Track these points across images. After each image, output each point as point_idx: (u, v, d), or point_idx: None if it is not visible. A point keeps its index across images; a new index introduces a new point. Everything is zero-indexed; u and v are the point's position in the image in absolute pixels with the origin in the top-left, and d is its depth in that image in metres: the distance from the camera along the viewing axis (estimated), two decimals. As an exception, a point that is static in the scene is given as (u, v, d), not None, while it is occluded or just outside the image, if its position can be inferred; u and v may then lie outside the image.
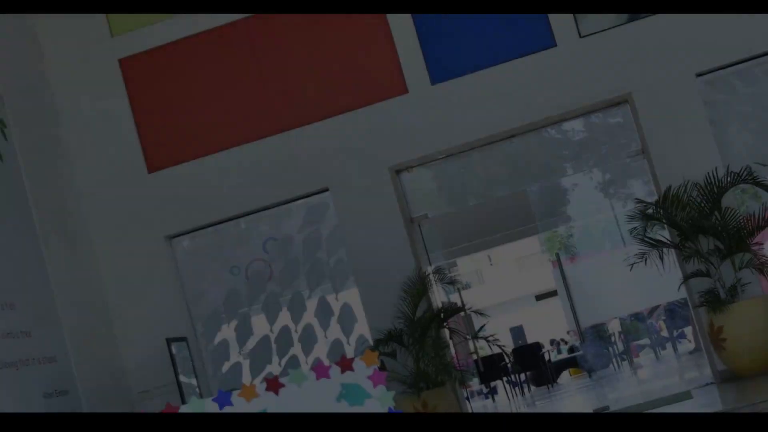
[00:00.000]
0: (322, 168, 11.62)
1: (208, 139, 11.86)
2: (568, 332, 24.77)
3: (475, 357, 18.10)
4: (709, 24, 11.05)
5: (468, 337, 13.41)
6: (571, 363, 20.72)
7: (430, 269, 11.49)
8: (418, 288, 11.07)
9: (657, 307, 18.99)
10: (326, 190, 11.72)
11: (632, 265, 10.93)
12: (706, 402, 9.67)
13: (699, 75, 11.16)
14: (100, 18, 11.98)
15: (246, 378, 11.66)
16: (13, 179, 10.54)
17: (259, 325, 11.89)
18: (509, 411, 16.02)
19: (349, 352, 11.44)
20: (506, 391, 19.24)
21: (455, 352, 12.24)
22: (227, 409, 5.36)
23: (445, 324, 11.36)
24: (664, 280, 11.17)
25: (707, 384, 10.93)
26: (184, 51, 11.94)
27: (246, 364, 11.81)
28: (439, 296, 11.64)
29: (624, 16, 11.19)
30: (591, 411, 12.15)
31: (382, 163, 11.53)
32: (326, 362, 5.44)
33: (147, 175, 11.91)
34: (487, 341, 12.30)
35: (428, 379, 10.82)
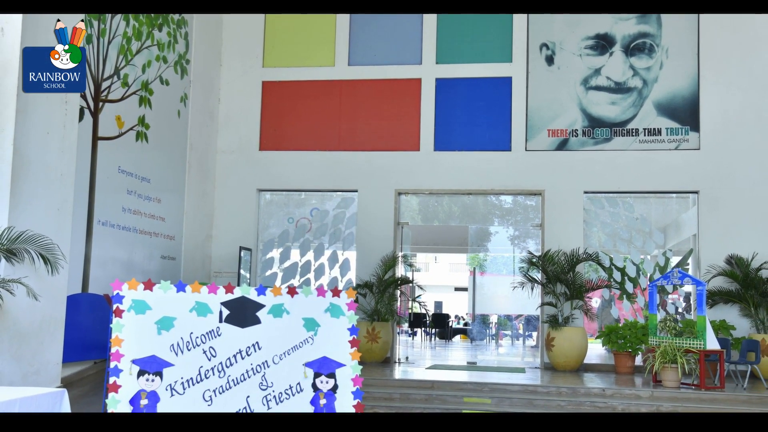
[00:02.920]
0: (357, 178, 11.66)
1: (297, 141, 11.89)
2: (466, 314, 24.68)
3: (410, 311, 18.09)
4: (597, 166, 11.11)
5: (410, 298, 13.45)
6: (462, 332, 20.66)
7: (400, 254, 11.54)
8: (390, 262, 11.12)
9: (521, 315, 18.94)
10: (356, 191, 11.74)
11: (515, 287, 11.00)
12: (531, 377, 9.69)
13: (585, 192, 11.21)
14: (259, 53, 12.01)
15: (277, 283, 11.71)
16: (182, 130, 10.60)
17: (294, 255, 11.92)
18: (420, 348, 15.92)
19: (340, 286, 11.49)
20: (422, 336, 19.23)
21: (399, 305, 12.27)
22: (261, 297, 5.38)
23: (398, 287, 11.41)
24: (530, 302, 11.23)
25: (536, 367, 10.98)
26: (300, 87, 11.98)
27: (280, 276, 11.85)
28: (400, 270, 11.67)
29: (554, 144, 11.22)
30: (465, 362, 12.18)
31: (391, 186, 11.56)
32: (325, 288, 5.47)
33: (258, 150, 11.94)
34: (420, 304, 12.37)
35: (379, 316, 10.87)
